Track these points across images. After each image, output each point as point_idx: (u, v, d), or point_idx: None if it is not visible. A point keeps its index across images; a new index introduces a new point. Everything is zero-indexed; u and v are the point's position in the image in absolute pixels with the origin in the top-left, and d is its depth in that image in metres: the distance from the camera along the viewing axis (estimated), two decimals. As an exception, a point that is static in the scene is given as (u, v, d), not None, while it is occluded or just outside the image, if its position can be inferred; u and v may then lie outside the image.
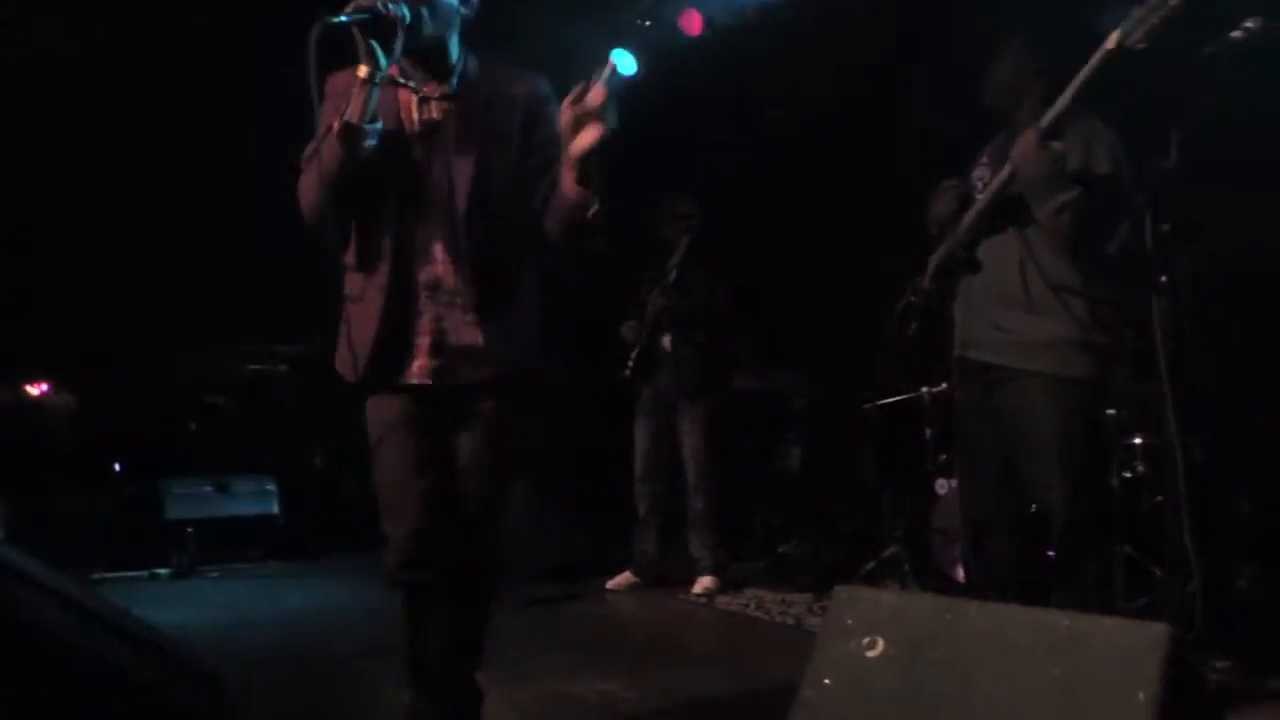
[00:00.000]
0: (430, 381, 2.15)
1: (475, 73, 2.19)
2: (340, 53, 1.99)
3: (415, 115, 2.14)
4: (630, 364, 4.64)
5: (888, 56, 5.23)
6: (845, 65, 5.38)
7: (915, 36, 5.02)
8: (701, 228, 4.70)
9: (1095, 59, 2.22)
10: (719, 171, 5.91)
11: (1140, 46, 2.12)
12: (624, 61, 6.05)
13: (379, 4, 1.91)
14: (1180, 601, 2.85)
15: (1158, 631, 1.40)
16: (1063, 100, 2.28)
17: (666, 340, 4.63)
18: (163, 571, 5.22)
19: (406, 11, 1.95)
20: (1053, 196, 2.35)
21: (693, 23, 5.60)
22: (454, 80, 2.16)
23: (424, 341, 2.15)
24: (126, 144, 6.00)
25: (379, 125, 2.03)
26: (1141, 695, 1.35)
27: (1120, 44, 2.15)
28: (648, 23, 5.80)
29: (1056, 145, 2.34)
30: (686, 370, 4.57)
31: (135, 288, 6.36)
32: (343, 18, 1.89)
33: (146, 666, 2.14)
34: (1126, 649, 1.40)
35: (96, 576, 5.03)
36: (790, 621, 3.96)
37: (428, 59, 2.13)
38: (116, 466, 5.95)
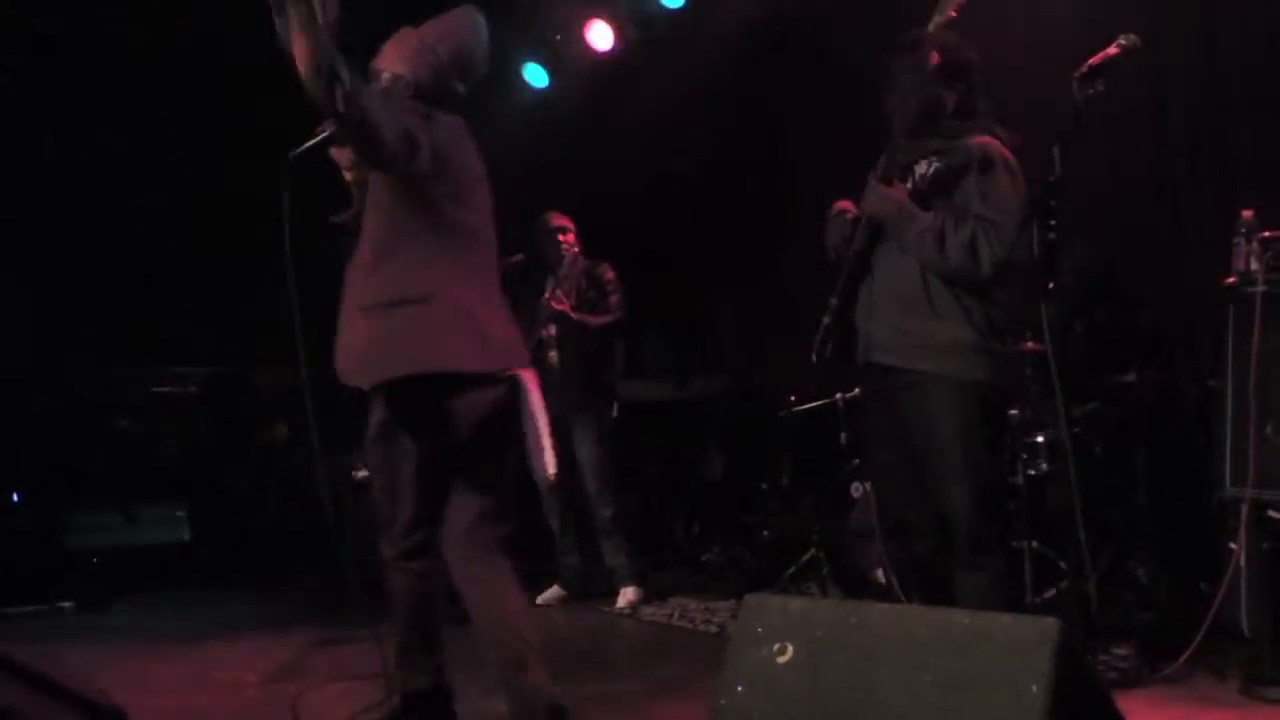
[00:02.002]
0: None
1: None
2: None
3: None
4: None
5: (794, 65, 5.36)
6: (751, 76, 5.49)
7: (824, 48, 5.15)
8: (576, 242, 4.75)
9: (924, 83, 2.50)
10: (638, 186, 5.97)
11: (951, 21, 2.47)
12: (535, 75, 6.10)
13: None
14: (1081, 593, 2.96)
15: (1050, 626, 1.47)
16: (895, 135, 2.50)
17: (553, 355, 4.65)
18: (66, 605, 5.01)
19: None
20: (908, 230, 2.52)
21: (602, 36, 5.64)
22: None
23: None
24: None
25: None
26: (1035, 688, 1.41)
27: (939, 24, 2.48)
28: (558, 36, 5.83)
29: (901, 184, 2.50)
30: (573, 384, 4.59)
31: (32, 305, 6.13)
32: (310, 144, 2.41)
33: (46, 708, 2.06)
34: (1021, 644, 1.46)
35: (-5, 612, 4.82)
36: (714, 630, 4.00)
37: None
38: (14, 497, 5.70)
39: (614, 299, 4.69)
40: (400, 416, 2.42)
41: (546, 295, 4.60)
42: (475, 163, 2.56)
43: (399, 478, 2.47)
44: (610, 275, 4.73)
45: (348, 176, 2.58)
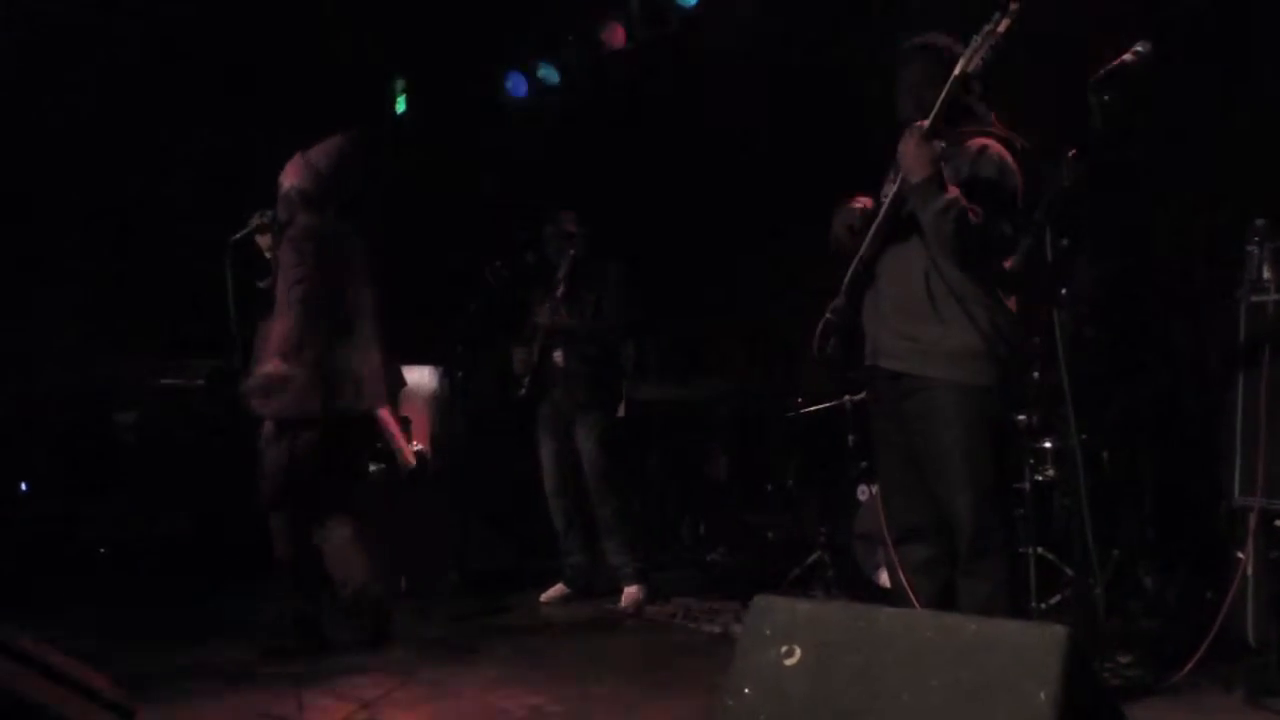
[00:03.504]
0: None
1: None
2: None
3: None
4: (524, 386, 4.67)
5: (805, 64, 5.36)
6: (759, 73, 5.49)
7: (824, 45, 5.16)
8: (586, 244, 4.74)
9: (948, 85, 2.45)
10: (640, 182, 5.97)
11: (979, 69, 2.46)
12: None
13: (262, 217, 3.63)
14: (1087, 600, 2.96)
15: (1058, 633, 1.47)
16: (934, 113, 2.45)
17: (558, 356, 4.64)
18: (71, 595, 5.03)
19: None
20: (936, 198, 2.45)
21: (615, 35, 5.64)
22: None
23: None
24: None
25: None
26: (1043, 695, 1.41)
27: (964, 70, 2.45)
28: (570, 37, 5.83)
29: (939, 144, 2.45)
30: (577, 385, 4.59)
31: (38, 296, 6.15)
32: (243, 233, 3.67)
33: (55, 696, 2.07)
34: (1028, 650, 1.46)
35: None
36: (718, 630, 4.00)
37: None
38: (23, 486, 5.72)
39: (617, 302, 4.68)
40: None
41: (544, 306, 4.59)
42: (350, 248, 3.63)
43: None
44: (616, 277, 4.72)
45: (267, 255, 3.66)
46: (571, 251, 4.69)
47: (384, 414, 3.81)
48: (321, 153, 3.62)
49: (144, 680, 3.33)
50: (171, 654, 3.80)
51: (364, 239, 3.74)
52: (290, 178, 3.61)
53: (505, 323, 4.92)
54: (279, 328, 3.44)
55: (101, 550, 5.14)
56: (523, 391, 4.68)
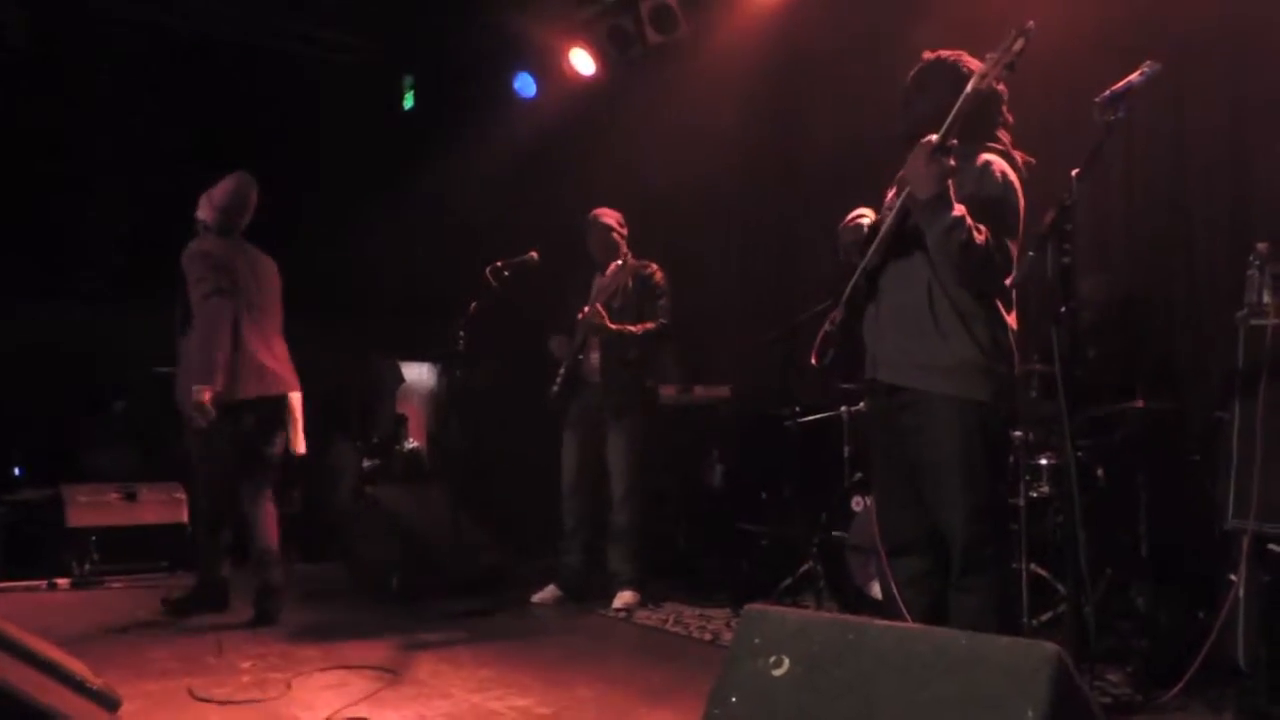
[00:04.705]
0: None
1: None
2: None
3: None
4: (558, 381, 4.63)
5: (799, 68, 5.38)
6: (755, 80, 5.51)
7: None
8: (628, 247, 4.72)
9: (961, 100, 2.43)
10: (647, 188, 5.98)
11: (996, 85, 2.47)
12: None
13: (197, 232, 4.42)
14: (1079, 618, 2.95)
15: (1048, 650, 1.47)
16: (946, 127, 2.41)
17: (595, 357, 4.61)
18: (62, 581, 5.03)
19: None
20: (943, 215, 2.43)
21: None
22: None
23: None
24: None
25: None
26: (1031, 712, 1.41)
27: (976, 87, 2.42)
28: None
29: (948, 160, 2.43)
30: (615, 388, 4.55)
31: (37, 285, 6.16)
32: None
33: (40, 685, 2.06)
34: (1018, 667, 1.45)
35: (-9, 586, 4.84)
36: (708, 637, 3.99)
37: None
38: (16, 471, 5.72)
39: (663, 303, 4.62)
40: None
41: (586, 310, 4.56)
42: (257, 262, 4.31)
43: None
44: (660, 279, 4.65)
45: None
46: (619, 254, 4.66)
47: (293, 398, 4.28)
48: (220, 189, 4.28)
49: (130, 670, 3.33)
50: (160, 643, 3.79)
51: (271, 257, 4.39)
52: (200, 210, 4.31)
53: (504, 323, 4.92)
54: (196, 339, 4.06)
55: (93, 537, 5.13)
56: (555, 388, 4.64)
